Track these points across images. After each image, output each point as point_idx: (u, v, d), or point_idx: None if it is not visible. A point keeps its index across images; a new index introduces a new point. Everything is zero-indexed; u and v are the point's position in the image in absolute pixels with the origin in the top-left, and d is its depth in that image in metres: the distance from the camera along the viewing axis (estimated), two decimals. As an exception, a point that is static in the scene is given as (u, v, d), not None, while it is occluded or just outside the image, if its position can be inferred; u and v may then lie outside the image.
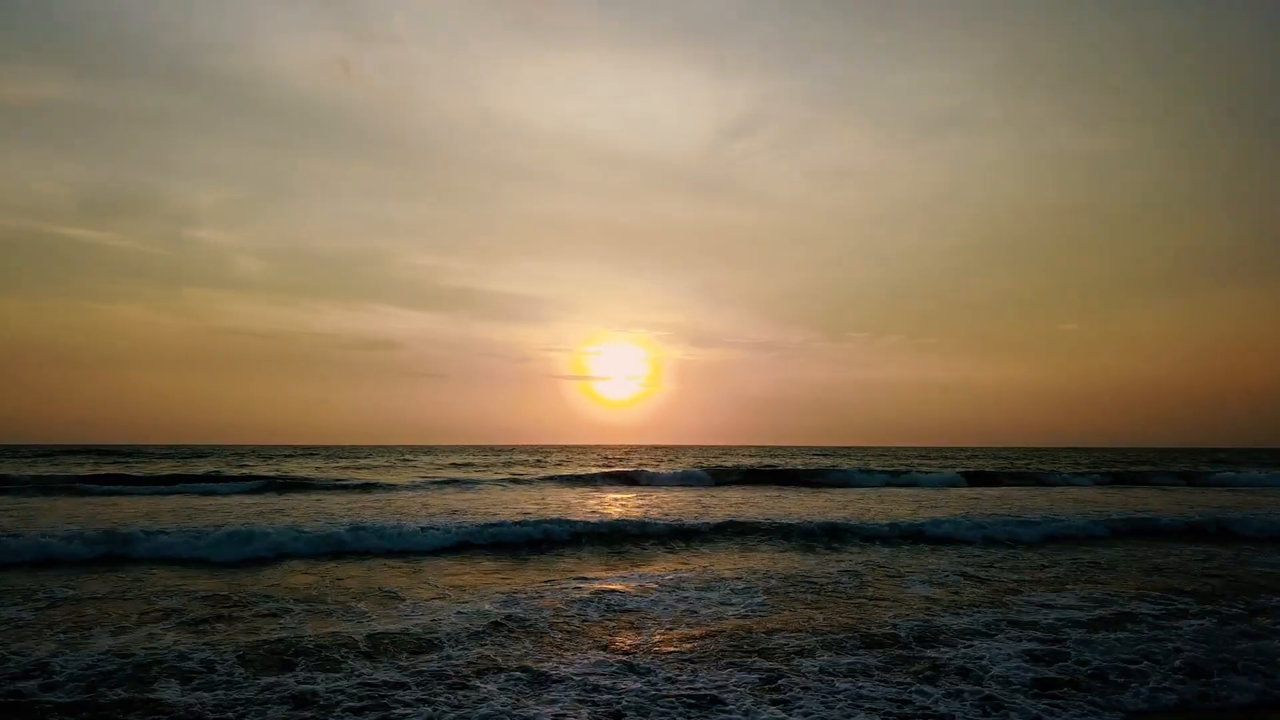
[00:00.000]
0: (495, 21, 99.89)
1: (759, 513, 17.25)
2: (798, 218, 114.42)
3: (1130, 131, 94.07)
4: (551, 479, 29.67)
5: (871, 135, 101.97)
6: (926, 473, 34.47)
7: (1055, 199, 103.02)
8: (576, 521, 13.94)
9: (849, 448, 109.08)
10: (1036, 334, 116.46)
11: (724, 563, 11.15)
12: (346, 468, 38.22)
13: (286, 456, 50.51)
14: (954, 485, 30.19)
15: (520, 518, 14.62)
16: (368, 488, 25.05)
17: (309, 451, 61.34)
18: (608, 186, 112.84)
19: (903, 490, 27.17)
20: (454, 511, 16.80)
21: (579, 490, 25.49)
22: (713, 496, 23.20)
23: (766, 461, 51.94)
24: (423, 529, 12.91)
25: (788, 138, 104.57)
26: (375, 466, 39.03)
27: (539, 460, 48.85)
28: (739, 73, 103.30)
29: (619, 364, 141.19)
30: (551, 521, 13.73)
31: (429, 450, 76.93)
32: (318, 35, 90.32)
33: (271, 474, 29.63)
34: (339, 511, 16.78)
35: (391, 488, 25.26)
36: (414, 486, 25.93)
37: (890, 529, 14.29)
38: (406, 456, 54.06)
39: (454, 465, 41.65)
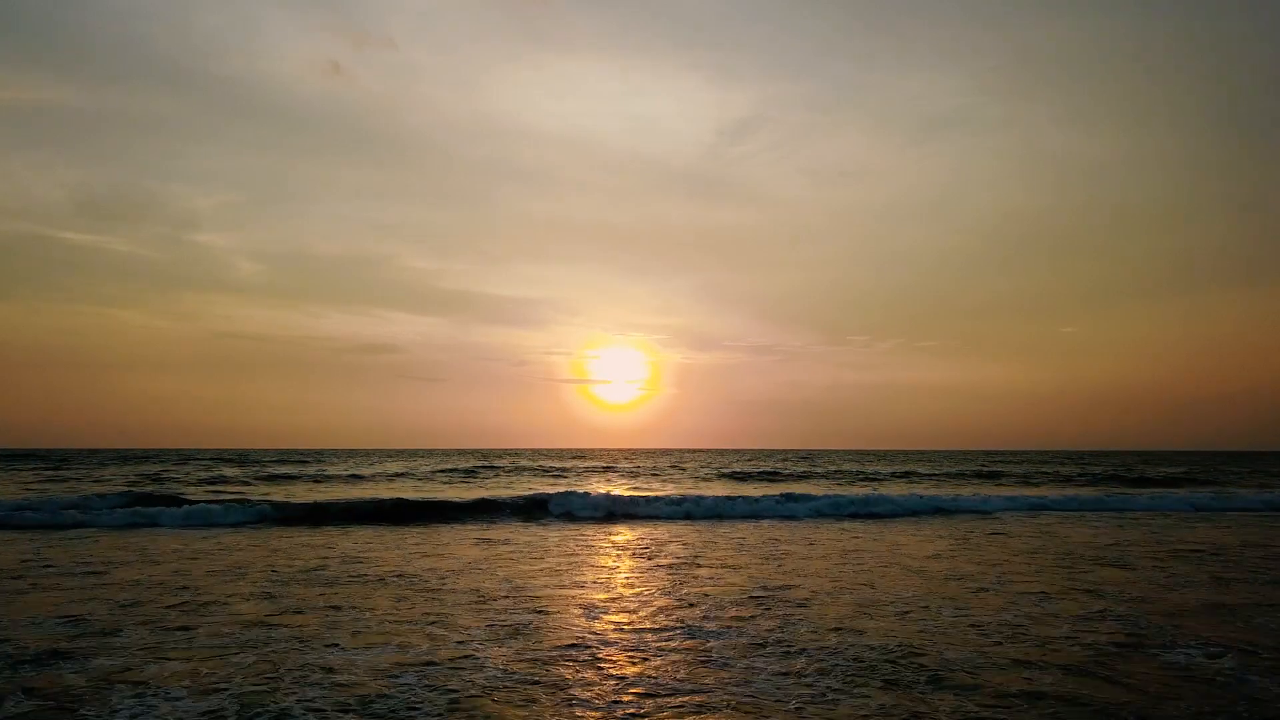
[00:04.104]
0: (493, 24, 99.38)
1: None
2: (798, 220, 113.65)
3: (1131, 133, 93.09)
4: (527, 505, 19.99)
5: (871, 138, 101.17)
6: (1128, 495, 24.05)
7: (1055, 201, 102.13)
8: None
9: (849, 451, 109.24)
10: (1037, 336, 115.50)
11: None
12: (299, 474, 32.53)
13: (264, 462, 45.92)
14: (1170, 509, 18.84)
15: None
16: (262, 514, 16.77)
17: (292, 456, 57.77)
18: (607, 189, 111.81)
19: (1116, 516, 16.30)
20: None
21: (573, 531, 16.79)
22: (817, 531, 13.38)
23: (777, 466, 45.58)
24: None
25: (788, 140, 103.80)
26: (323, 477, 32.88)
27: (527, 470, 40.68)
28: (739, 75, 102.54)
29: (618, 367, 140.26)
30: None
31: (416, 454, 73.81)
32: (316, 38, 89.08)
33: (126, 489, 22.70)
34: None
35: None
36: (317, 512, 17.58)
37: None
38: (376, 460, 49.10)
39: (426, 475, 34.80)
